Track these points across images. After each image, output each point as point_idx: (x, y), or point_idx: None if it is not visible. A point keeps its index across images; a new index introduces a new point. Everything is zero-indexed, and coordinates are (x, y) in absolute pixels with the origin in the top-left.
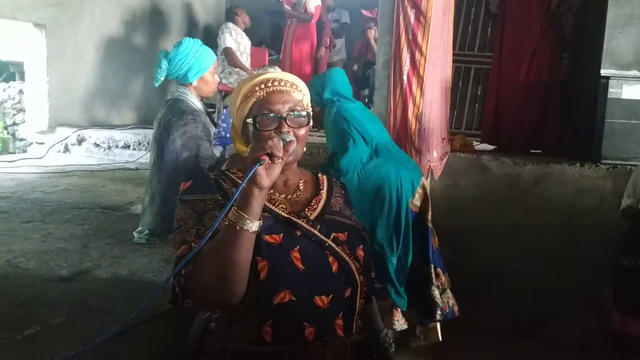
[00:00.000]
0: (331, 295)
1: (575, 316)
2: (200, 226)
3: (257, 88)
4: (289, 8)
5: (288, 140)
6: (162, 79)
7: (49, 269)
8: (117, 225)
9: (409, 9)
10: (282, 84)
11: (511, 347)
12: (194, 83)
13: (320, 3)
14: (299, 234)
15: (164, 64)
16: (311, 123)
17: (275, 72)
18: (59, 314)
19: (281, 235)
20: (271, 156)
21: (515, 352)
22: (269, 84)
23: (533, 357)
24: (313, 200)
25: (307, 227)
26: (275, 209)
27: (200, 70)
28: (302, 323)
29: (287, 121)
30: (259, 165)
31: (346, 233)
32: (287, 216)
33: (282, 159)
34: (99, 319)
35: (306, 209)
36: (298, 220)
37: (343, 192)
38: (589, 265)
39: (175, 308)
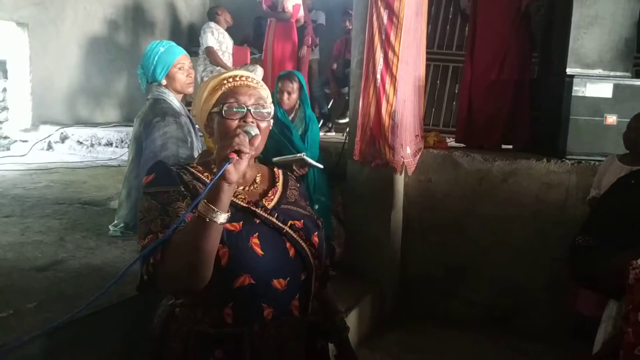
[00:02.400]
0: (288, 279)
1: (544, 305)
2: (164, 216)
3: (225, 81)
4: (267, 8)
5: (254, 134)
6: (144, 83)
7: (26, 260)
8: (94, 219)
9: (382, 9)
10: (250, 80)
11: (485, 335)
12: (163, 81)
13: (299, 2)
14: (257, 221)
15: (139, 70)
16: (271, 120)
17: (242, 70)
18: (32, 300)
19: (241, 223)
20: (239, 153)
21: (489, 341)
22: (237, 78)
23: (506, 345)
24: (270, 192)
25: (266, 215)
26: (235, 199)
27: (164, 67)
28: (260, 305)
29: (252, 113)
30: (228, 164)
31: (302, 221)
32: (246, 205)
33: (249, 153)
34: (70, 304)
35: (264, 200)
36: (256, 209)
37: (298, 185)
38: (555, 256)
39: (142, 295)
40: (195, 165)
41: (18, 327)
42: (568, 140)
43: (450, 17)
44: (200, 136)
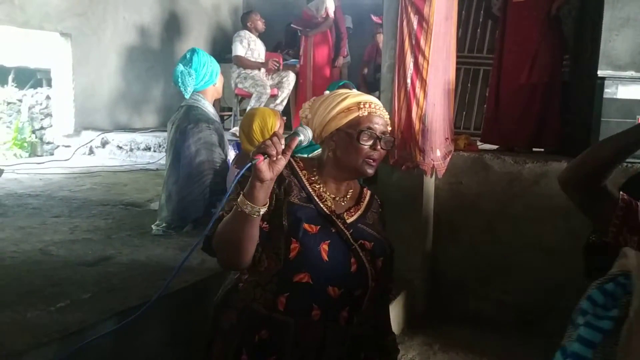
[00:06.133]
0: (343, 290)
1: (575, 307)
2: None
3: (362, 106)
4: (314, 16)
5: (301, 138)
6: (191, 86)
7: (77, 256)
8: (137, 219)
9: (412, 15)
10: (381, 109)
11: (516, 337)
12: (217, 83)
13: (334, 8)
14: (333, 230)
15: (193, 74)
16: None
17: (371, 96)
18: (86, 291)
19: (318, 227)
20: (265, 155)
21: (520, 342)
22: (372, 106)
23: (536, 348)
24: (353, 209)
25: (342, 227)
26: (321, 204)
27: (218, 69)
28: (312, 304)
29: (381, 141)
30: (250, 164)
31: (372, 243)
32: (328, 213)
33: (281, 155)
34: (121, 294)
35: (345, 213)
36: (336, 220)
37: (380, 210)
38: None
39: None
40: (298, 160)
41: (75, 315)
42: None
43: (480, 20)
44: (229, 140)
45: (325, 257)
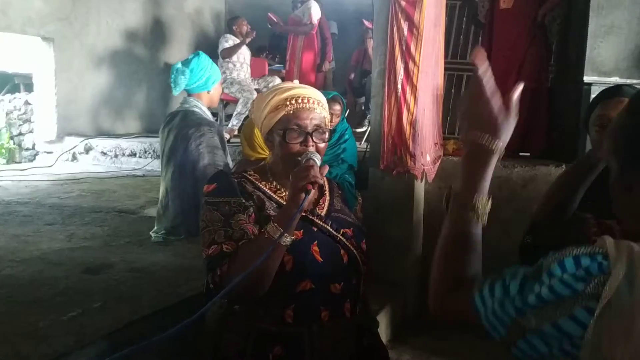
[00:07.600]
0: (342, 283)
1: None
2: (227, 228)
3: (288, 102)
4: (301, 22)
5: (319, 163)
6: (181, 87)
7: (79, 264)
8: (133, 226)
9: (402, 21)
10: (311, 101)
11: None
12: (212, 90)
13: (320, 15)
14: (315, 229)
15: (187, 74)
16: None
17: (303, 89)
18: (96, 300)
19: (301, 231)
20: (314, 184)
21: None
22: (299, 100)
23: None
24: (320, 200)
25: (322, 223)
26: None
27: (216, 79)
28: (319, 307)
29: (313, 137)
30: (308, 196)
31: (352, 229)
32: (304, 214)
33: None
34: (132, 303)
35: (317, 208)
36: (314, 218)
37: (340, 192)
38: None
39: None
40: (252, 173)
41: (89, 325)
42: (586, 146)
43: (463, 27)
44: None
45: (319, 258)
